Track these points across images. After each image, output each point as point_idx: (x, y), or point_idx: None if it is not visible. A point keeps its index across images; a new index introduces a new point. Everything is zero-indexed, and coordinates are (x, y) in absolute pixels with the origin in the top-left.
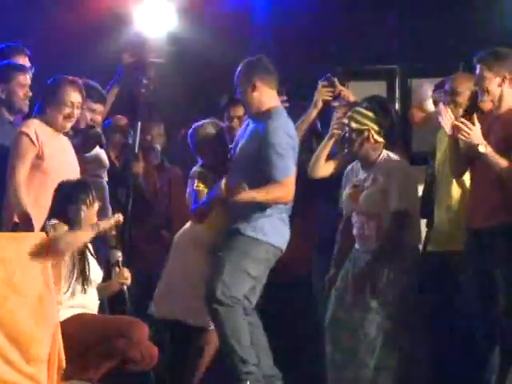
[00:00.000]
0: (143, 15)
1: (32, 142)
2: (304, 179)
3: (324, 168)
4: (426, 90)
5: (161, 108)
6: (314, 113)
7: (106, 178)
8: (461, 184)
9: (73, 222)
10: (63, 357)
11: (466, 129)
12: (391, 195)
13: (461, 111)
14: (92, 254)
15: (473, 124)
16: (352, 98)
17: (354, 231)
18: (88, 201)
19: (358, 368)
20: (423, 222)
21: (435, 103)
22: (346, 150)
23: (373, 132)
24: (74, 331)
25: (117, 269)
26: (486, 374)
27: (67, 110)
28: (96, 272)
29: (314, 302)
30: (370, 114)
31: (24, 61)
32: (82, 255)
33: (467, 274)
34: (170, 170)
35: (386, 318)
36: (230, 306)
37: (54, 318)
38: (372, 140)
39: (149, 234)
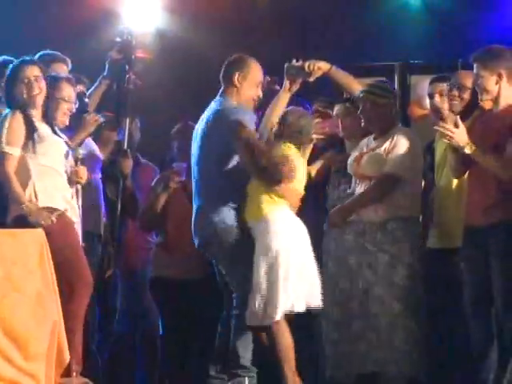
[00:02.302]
0: (131, 11)
1: None
2: None
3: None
4: (424, 87)
5: (150, 103)
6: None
7: (99, 175)
8: (460, 182)
9: None
10: (67, 351)
11: (449, 132)
12: (390, 158)
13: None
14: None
15: (456, 126)
16: (324, 66)
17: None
18: None
19: (353, 342)
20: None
21: (429, 96)
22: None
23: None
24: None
25: (76, 166)
26: (484, 373)
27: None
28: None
29: None
30: (380, 87)
31: (62, 70)
32: None
33: (464, 271)
34: (145, 165)
35: (394, 297)
36: None
37: (53, 314)
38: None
39: (138, 230)
